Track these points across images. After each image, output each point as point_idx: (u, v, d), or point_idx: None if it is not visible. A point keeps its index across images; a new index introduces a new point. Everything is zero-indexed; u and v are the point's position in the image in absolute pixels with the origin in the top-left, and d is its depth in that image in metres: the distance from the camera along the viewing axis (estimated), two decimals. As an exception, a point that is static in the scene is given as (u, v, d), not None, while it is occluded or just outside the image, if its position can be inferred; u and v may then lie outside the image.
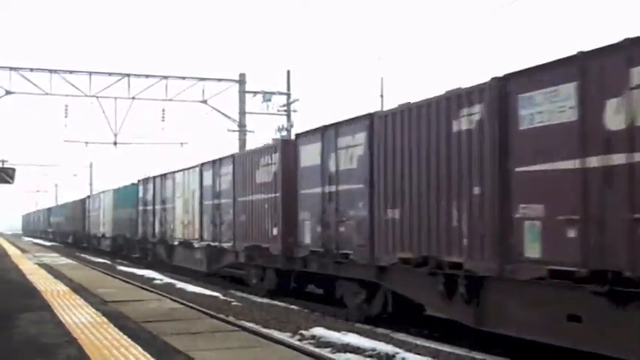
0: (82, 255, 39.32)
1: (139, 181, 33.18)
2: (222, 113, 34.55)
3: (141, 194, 32.29)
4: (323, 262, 14.75)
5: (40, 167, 76.13)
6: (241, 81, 34.30)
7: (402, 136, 12.00)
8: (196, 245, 23.82)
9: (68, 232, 61.52)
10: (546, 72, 9.05)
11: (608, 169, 8.07)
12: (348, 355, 9.84)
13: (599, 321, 8.25)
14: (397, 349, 9.93)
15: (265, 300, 17.41)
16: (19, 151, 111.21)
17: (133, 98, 33.55)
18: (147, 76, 33.53)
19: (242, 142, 33.90)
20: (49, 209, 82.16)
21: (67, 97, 33.43)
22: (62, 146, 53.79)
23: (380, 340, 10.64)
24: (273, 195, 17.31)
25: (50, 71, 32.26)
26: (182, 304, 12.84)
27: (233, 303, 15.92)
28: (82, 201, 53.98)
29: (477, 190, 10.12)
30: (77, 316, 10.63)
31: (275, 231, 17.01)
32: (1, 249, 39.46)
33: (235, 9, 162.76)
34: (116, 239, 39.02)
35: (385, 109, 13.54)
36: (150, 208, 30.38)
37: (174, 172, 27.25)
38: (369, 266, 12.92)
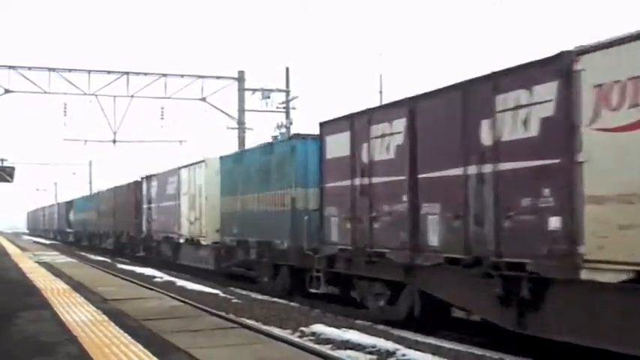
0: (82, 253, 39.27)
1: (325, 124, 14.22)
2: (222, 111, 34.56)
3: (334, 154, 13.77)
4: None
5: (39, 165, 75.95)
6: (240, 78, 34.28)
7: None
8: None
9: (104, 233, 43.27)
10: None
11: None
12: (349, 351, 9.83)
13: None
14: (397, 346, 9.92)
15: (265, 297, 17.39)
16: (19, 149, 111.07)
17: (132, 96, 33.53)
18: (146, 74, 33.51)
19: (241, 140, 33.90)
20: (70, 202, 61.28)
21: (65, 95, 33.52)
22: (61, 145, 53.63)
23: (380, 337, 10.62)
24: None
25: (49, 69, 32.23)
26: (182, 301, 12.84)
27: (233, 300, 15.91)
28: (134, 186, 34.53)
29: None
30: (77, 314, 10.63)
31: None
32: (0, 247, 39.47)
33: (234, 6, 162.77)
34: (233, 251, 20.69)
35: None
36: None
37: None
38: None
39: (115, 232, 39.19)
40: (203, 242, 22.78)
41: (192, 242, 23.99)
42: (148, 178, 31.33)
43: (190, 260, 24.74)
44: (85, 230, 51.45)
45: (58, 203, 70.23)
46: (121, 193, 37.86)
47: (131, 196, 34.59)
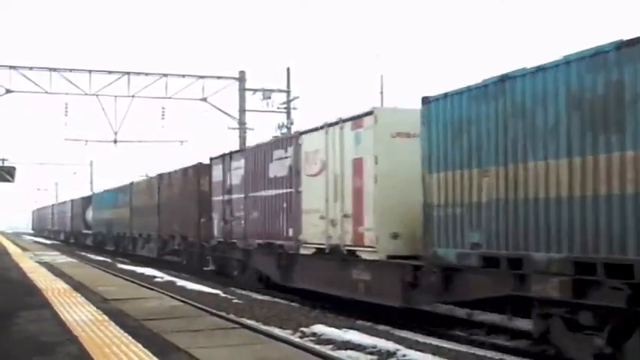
0: (82, 253, 39.24)
1: None
2: (222, 111, 34.55)
3: None
4: None
5: (40, 165, 75.88)
6: (241, 78, 34.28)
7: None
8: None
9: (141, 237, 33.74)
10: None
11: None
12: (349, 352, 9.83)
13: None
14: (398, 346, 9.92)
15: (266, 297, 17.39)
16: (20, 149, 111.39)
17: (133, 96, 33.51)
18: (147, 74, 33.50)
19: (242, 140, 33.89)
20: (87, 198, 51.34)
21: (67, 95, 33.48)
22: (62, 145, 53.59)
23: (381, 337, 10.62)
24: None
25: (50, 70, 32.22)
26: (182, 301, 12.84)
27: (234, 300, 15.91)
28: (195, 171, 25.29)
29: None
30: (77, 314, 10.62)
31: None
32: (1, 247, 39.47)
33: (234, 6, 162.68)
34: (465, 278, 10.57)
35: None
36: None
37: None
38: None
39: (160, 235, 29.71)
40: (366, 256, 13.33)
41: (333, 254, 14.52)
42: (226, 157, 21.35)
43: (327, 285, 14.99)
44: (109, 232, 41.28)
45: (72, 200, 58.50)
46: (171, 182, 28.56)
47: (190, 185, 25.50)
